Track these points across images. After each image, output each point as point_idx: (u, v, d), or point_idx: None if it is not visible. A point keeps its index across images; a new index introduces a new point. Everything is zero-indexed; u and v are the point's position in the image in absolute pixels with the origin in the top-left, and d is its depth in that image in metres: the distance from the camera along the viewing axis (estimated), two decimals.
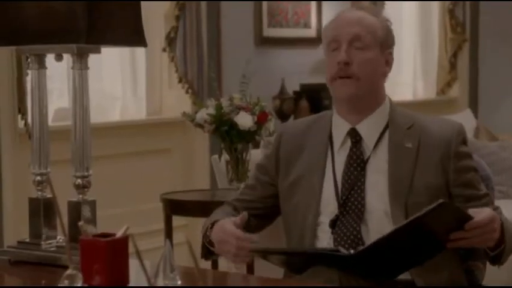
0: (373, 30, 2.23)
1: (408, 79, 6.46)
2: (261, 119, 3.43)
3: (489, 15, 6.60)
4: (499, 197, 4.46)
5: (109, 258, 1.71)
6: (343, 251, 2.00)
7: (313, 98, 5.28)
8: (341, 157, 2.24)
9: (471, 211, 2.02)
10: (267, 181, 2.34)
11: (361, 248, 2.03)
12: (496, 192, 4.21)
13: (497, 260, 2.16)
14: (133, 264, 1.73)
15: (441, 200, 1.94)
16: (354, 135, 2.24)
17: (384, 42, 2.25)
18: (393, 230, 2.00)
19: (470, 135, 2.27)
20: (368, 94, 2.23)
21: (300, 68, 5.38)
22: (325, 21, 5.45)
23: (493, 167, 4.58)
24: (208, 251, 2.24)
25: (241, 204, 2.34)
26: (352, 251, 2.02)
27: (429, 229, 1.99)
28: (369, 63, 2.21)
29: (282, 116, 5.20)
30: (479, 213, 2.02)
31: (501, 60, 6.58)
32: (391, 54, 2.29)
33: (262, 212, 2.34)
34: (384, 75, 2.28)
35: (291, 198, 2.28)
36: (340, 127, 2.26)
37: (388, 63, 2.28)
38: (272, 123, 3.50)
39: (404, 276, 2.12)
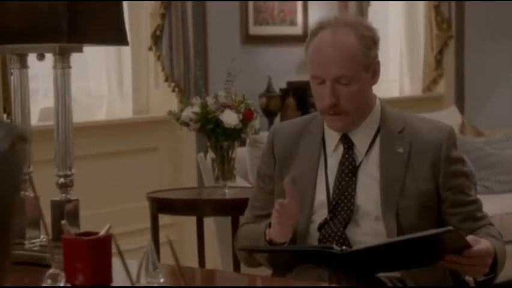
0: (354, 57, 2.17)
1: (395, 76, 6.47)
2: (247, 117, 3.42)
3: (474, 11, 6.61)
4: (484, 192, 4.48)
5: (91, 257, 1.71)
6: (336, 248, 2.00)
7: (300, 96, 5.28)
8: (333, 161, 2.25)
9: (470, 238, 2.03)
10: (272, 189, 2.31)
11: (355, 248, 2.04)
12: (481, 187, 4.25)
13: (483, 286, 2.17)
14: (117, 263, 1.72)
15: (450, 227, 1.98)
16: (346, 142, 2.25)
17: (368, 60, 2.20)
18: (392, 241, 2.03)
19: (455, 131, 2.27)
20: (358, 113, 2.23)
21: (286, 66, 5.38)
22: (311, 19, 5.46)
23: (478, 162, 4.61)
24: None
25: (260, 220, 2.29)
26: (344, 247, 2.03)
27: (427, 247, 2.02)
28: (356, 95, 2.19)
29: (269, 113, 5.19)
30: (479, 244, 2.03)
31: (487, 57, 6.60)
32: (378, 62, 2.24)
33: None
34: (373, 84, 2.26)
35: None
36: (332, 132, 2.27)
37: (376, 72, 2.25)
38: (258, 121, 3.50)
39: (395, 273, 2.15)
